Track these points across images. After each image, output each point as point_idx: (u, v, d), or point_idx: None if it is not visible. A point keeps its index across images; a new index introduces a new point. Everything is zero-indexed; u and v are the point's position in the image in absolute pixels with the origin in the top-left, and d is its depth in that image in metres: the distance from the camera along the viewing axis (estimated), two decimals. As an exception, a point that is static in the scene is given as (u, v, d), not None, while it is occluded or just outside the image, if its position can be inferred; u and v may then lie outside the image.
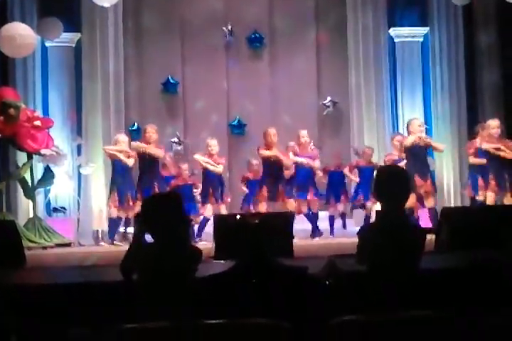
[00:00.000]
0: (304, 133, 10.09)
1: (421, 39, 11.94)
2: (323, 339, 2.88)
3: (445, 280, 3.79)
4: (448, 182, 11.53)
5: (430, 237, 6.02)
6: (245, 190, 10.42)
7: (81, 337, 2.80)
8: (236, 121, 12.60)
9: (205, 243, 8.56)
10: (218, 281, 3.48)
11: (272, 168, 9.66)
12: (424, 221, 9.10)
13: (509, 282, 3.07)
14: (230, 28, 12.53)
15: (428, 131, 11.57)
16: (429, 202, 9.37)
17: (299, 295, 3.35)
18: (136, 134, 12.06)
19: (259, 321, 2.95)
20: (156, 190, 9.35)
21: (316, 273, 3.67)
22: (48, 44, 11.37)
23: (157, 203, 3.74)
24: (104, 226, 10.37)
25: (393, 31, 11.86)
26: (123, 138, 10.02)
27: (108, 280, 4.68)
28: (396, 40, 11.92)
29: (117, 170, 9.77)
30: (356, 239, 3.57)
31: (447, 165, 11.57)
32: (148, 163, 9.66)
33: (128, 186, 9.66)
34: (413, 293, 3.26)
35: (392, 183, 3.44)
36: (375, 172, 3.78)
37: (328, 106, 12.61)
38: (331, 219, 10.24)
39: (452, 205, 11.10)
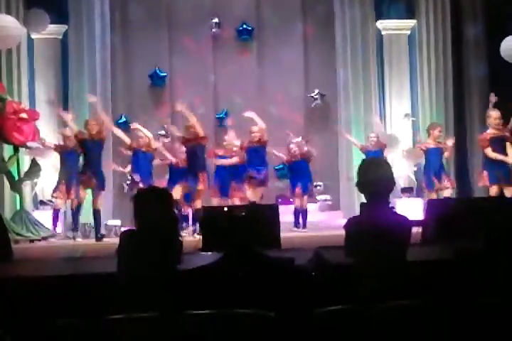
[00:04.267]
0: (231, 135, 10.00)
1: (408, 32, 11.96)
2: (309, 330, 2.90)
3: (430, 271, 3.82)
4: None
5: (417, 229, 6.05)
6: None
7: (68, 327, 2.81)
8: (223, 114, 12.58)
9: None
10: (205, 273, 3.49)
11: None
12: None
13: (487, 271, 3.11)
14: (217, 20, 12.51)
15: (415, 124, 11.65)
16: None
17: (286, 286, 3.36)
18: (123, 126, 12.03)
19: (245, 311, 2.96)
20: None
21: (302, 265, 3.68)
22: (34, 36, 11.31)
23: (147, 196, 3.78)
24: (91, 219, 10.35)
25: (380, 24, 11.87)
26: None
27: (96, 272, 4.68)
28: (383, 32, 11.93)
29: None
30: (343, 232, 3.58)
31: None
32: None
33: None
34: (399, 284, 3.28)
35: (375, 174, 3.45)
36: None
37: (316, 99, 12.62)
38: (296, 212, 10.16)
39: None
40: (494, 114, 9.39)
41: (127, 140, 9.89)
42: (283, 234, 6.42)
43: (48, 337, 2.87)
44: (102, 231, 9.64)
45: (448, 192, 9.89)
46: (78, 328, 2.82)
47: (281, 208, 7.22)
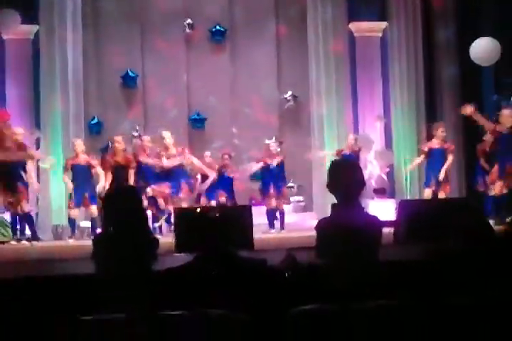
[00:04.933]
0: (166, 134, 10.02)
1: (380, 34, 12.03)
2: (281, 330, 2.91)
3: (402, 271, 3.86)
4: (406, 175, 11.62)
5: (389, 230, 6.10)
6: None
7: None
8: (196, 115, 12.58)
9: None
10: (179, 273, 3.50)
11: None
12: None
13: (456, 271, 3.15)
14: (190, 21, 12.50)
15: (387, 125, 11.73)
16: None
17: (259, 287, 3.38)
18: (95, 128, 11.98)
19: (218, 312, 2.97)
20: None
21: (275, 266, 3.70)
22: (4, 36, 11.21)
23: (116, 196, 3.79)
24: (63, 221, 10.30)
25: (353, 25, 11.93)
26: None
27: (66, 274, 4.67)
28: (356, 34, 11.99)
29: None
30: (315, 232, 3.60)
31: (407, 159, 11.66)
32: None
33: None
34: (371, 284, 3.30)
35: (345, 175, 3.47)
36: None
37: (289, 100, 12.66)
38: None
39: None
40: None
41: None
42: (256, 236, 6.43)
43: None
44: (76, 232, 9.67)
45: (443, 194, 9.78)
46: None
47: (254, 209, 7.22)
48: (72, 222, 9.72)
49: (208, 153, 10.69)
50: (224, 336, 3.00)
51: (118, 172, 9.65)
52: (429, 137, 10.37)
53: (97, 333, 2.87)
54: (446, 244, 3.29)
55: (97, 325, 2.85)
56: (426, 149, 10.05)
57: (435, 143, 9.97)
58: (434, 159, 9.95)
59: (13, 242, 9.30)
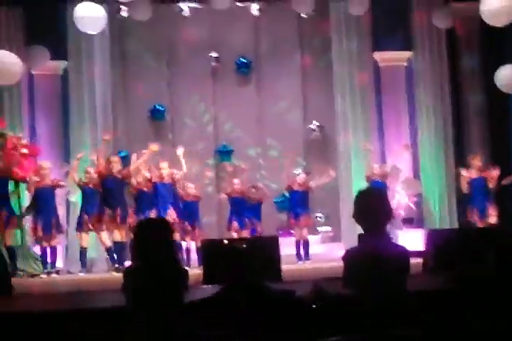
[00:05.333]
0: (163, 165, 10.00)
1: (405, 63, 12.05)
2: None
3: (430, 301, 3.81)
4: (434, 203, 11.53)
5: (418, 260, 6.04)
6: None
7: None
8: (223, 147, 12.64)
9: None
10: (207, 305, 3.49)
11: None
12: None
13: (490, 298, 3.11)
14: (215, 54, 12.64)
15: (414, 154, 11.68)
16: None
17: (287, 318, 3.36)
18: (124, 160, 12.06)
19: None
20: None
21: (303, 297, 3.68)
22: (34, 72, 11.41)
23: (148, 227, 3.79)
24: (92, 254, 10.33)
25: (377, 55, 11.96)
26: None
27: (97, 306, 4.67)
28: (380, 64, 12.02)
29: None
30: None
31: (434, 186, 11.60)
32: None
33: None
34: (399, 315, 3.27)
35: (372, 205, 3.45)
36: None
37: (315, 130, 12.68)
38: None
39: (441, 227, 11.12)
40: None
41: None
42: (284, 266, 6.41)
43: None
44: (104, 265, 9.66)
45: (493, 220, 9.88)
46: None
47: (282, 240, 7.20)
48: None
49: (236, 181, 10.65)
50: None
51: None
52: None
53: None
54: (476, 272, 3.26)
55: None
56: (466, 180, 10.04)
57: (473, 174, 9.97)
58: (474, 189, 9.93)
59: (43, 275, 9.35)
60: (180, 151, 10.13)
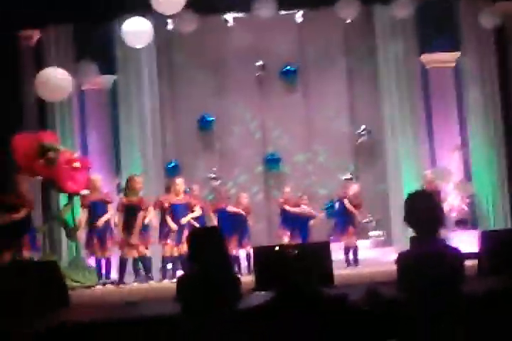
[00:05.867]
0: (179, 181, 10.02)
1: (453, 64, 11.91)
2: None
3: (487, 305, 3.76)
4: (487, 204, 11.36)
5: (473, 262, 5.96)
6: None
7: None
8: (271, 155, 12.67)
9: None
10: (261, 312, 3.50)
11: None
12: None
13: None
14: (261, 62, 12.69)
15: (465, 156, 11.54)
16: None
17: (341, 323, 3.35)
18: (173, 171, 12.19)
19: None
20: None
21: (356, 301, 3.66)
22: (84, 87, 11.63)
23: (202, 236, 3.83)
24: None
25: (424, 57, 11.85)
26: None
27: (154, 315, 4.72)
28: (427, 66, 11.91)
29: None
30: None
31: (488, 188, 11.43)
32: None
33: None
34: (453, 319, 3.23)
35: (422, 207, 3.42)
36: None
37: (363, 135, 12.62)
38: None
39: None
40: None
41: None
42: (335, 271, 6.40)
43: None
44: (155, 275, 9.75)
45: None
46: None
47: (333, 245, 7.21)
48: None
49: (287, 189, 10.73)
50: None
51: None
52: None
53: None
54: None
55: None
56: None
57: None
58: None
59: (98, 286, 9.49)
60: (179, 181, 10.04)
